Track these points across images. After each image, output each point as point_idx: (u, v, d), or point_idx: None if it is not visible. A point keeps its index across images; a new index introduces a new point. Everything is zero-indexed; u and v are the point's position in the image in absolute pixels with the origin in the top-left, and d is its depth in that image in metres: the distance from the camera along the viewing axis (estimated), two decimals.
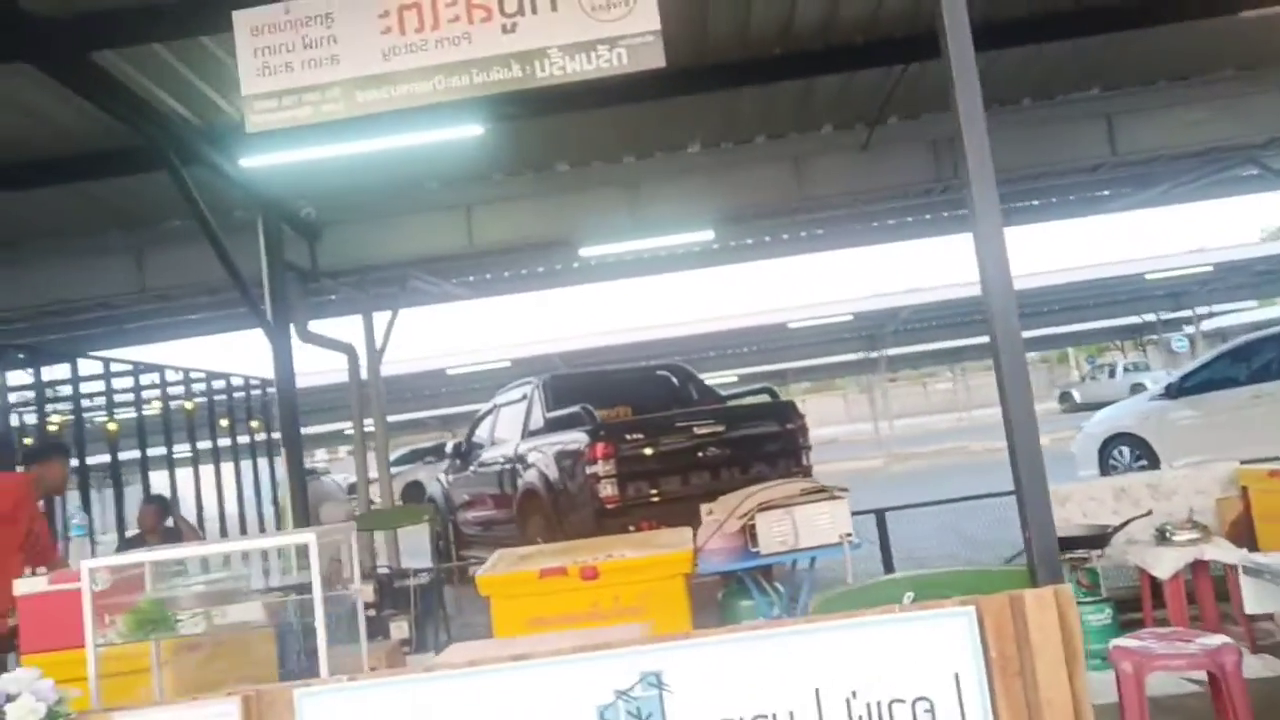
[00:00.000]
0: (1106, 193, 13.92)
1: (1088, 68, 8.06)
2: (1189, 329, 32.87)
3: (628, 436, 9.04)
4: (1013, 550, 6.78)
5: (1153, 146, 8.73)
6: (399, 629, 7.15)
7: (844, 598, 3.48)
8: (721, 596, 6.12)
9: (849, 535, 5.59)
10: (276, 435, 15.67)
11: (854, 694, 2.64)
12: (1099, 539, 5.78)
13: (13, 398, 9.86)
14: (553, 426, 9.71)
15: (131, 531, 9.33)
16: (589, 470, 9.00)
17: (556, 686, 2.73)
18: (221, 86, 6.40)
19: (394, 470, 16.23)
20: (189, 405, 12.82)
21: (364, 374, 10.48)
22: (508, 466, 10.64)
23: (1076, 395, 37.45)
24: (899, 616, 2.68)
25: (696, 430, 9.32)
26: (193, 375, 13.15)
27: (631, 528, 7.92)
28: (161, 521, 8.61)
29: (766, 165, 8.63)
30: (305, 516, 7.45)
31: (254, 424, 14.77)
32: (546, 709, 2.71)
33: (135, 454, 11.47)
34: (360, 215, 8.72)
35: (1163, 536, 5.35)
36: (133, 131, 6.13)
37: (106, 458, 11.13)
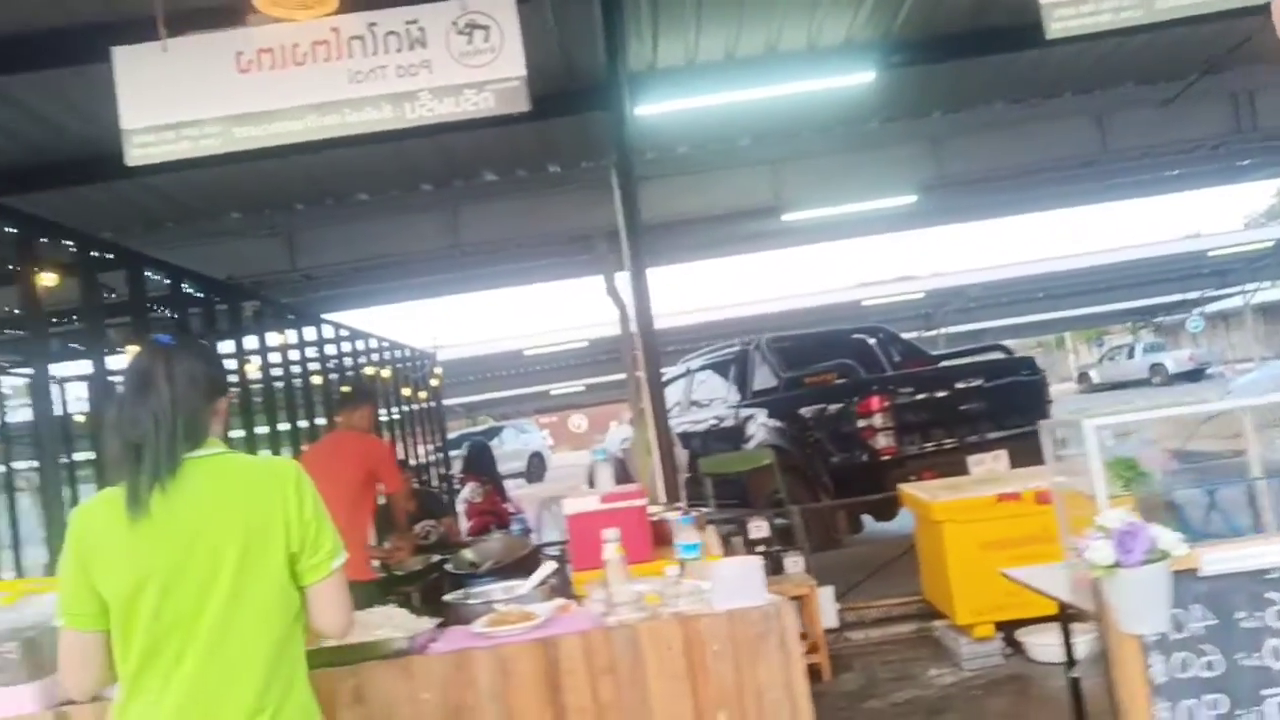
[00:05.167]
0: (1247, 162, 14.41)
1: None
2: (1220, 306, 33.94)
3: (899, 389, 9.29)
4: None
5: None
6: (794, 563, 7.30)
7: None
8: None
9: None
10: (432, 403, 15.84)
11: None
12: None
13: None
14: (793, 385, 9.84)
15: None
16: (862, 423, 9.20)
17: None
18: (658, 26, 6.47)
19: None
20: (386, 373, 12.91)
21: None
22: (724, 427, 10.80)
23: (1095, 376, 38.67)
24: None
25: (957, 384, 9.64)
26: (383, 344, 13.22)
27: (913, 477, 8.10)
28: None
29: (1067, 120, 8.88)
30: (671, 457, 7.55)
31: (421, 393, 14.88)
32: None
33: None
34: (671, 170, 8.83)
35: None
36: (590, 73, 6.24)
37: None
